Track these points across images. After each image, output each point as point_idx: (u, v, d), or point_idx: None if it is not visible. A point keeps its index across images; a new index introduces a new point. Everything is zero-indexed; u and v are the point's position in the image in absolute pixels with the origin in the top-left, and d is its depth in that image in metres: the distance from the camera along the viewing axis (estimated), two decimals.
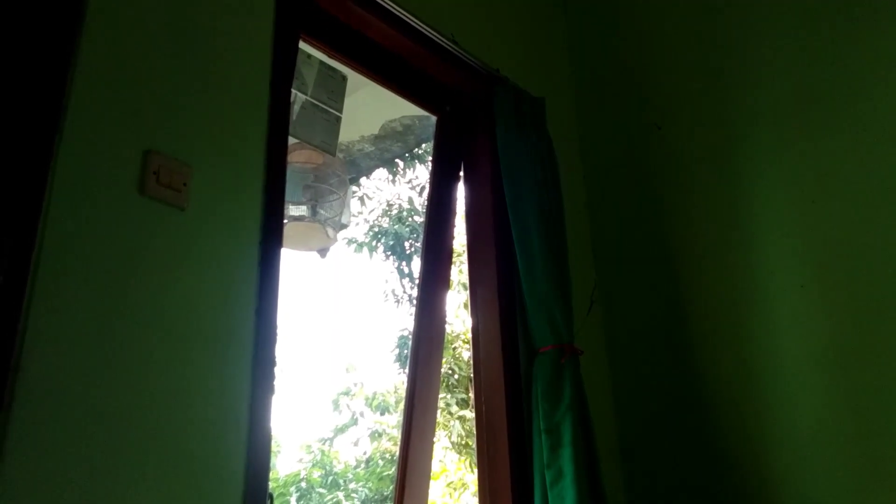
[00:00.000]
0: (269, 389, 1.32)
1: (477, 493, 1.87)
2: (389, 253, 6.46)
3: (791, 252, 1.94)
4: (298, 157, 2.32)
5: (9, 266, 1.03)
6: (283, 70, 1.54)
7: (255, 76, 1.48)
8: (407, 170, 6.42)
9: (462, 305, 5.65)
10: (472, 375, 2.02)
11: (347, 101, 2.14)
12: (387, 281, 6.61)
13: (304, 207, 2.44)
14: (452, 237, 2.16)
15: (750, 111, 2.11)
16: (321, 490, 5.83)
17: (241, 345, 1.29)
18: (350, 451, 6.36)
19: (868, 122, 1.89)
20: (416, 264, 6.43)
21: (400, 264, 6.48)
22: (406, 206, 6.61)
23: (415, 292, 6.38)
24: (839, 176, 1.91)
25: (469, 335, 5.78)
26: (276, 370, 1.36)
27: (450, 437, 5.61)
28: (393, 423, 6.37)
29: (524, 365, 1.92)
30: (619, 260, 2.32)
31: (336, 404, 6.50)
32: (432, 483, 1.94)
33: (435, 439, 2.00)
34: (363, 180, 5.88)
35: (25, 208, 1.07)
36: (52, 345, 1.05)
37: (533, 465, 1.78)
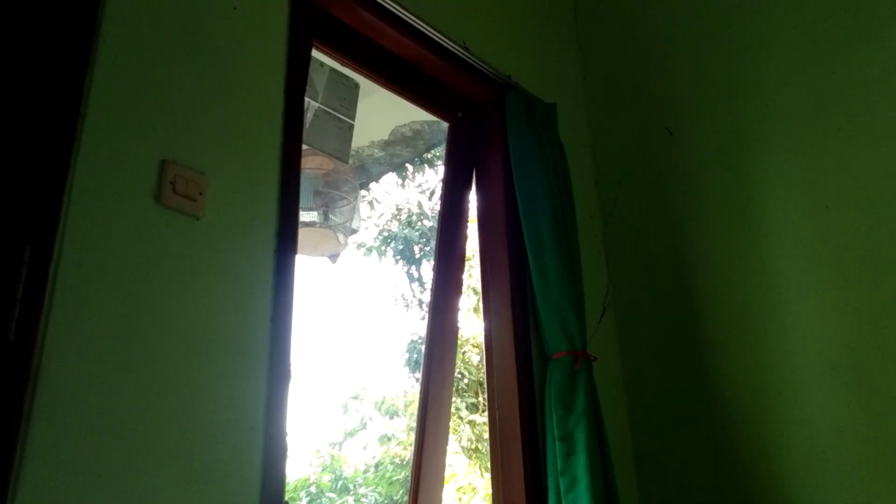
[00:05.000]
0: (285, 397, 1.32)
1: (486, 499, 1.87)
2: (399, 257, 6.46)
3: (805, 257, 1.94)
4: (310, 163, 2.33)
5: (28, 275, 1.03)
6: (297, 78, 1.54)
7: (270, 84, 1.48)
8: (416, 174, 6.42)
9: (471, 310, 5.64)
10: (481, 380, 2.03)
11: (358, 107, 2.15)
12: (396, 285, 6.61)
13: (314, 213, 2.45)
14: (465, 242, 2.16)
15: (762, 115, 2.11)
16: (331, 495, 5.83)
17: (257, 353, 1.29)
18: (359, 456, 6.35)
19: (882, 125, 1.88)
20: (426, 268, 6.43)
21: (409, 269, 6.48)
22: (415, 210, 6.61)
23: (424, 297, 6.38)
24: (853, 180, 1.90)
25: (479, 339, 5.79)
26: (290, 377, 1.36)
27: (459, 442, 5.60)
28: (402, 427, 6.36)
29: (537, 371, 1.92)
30: (631, 265, 2.32)
31: (345, 408, 6.50)
32: None
33: None
34: (373, 185, 5.89)
35: (44, 218, 1.08)
36: (71, 353, 1.06)
37: (547, 471, 1.77)
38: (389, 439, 6.34)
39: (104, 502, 1.04)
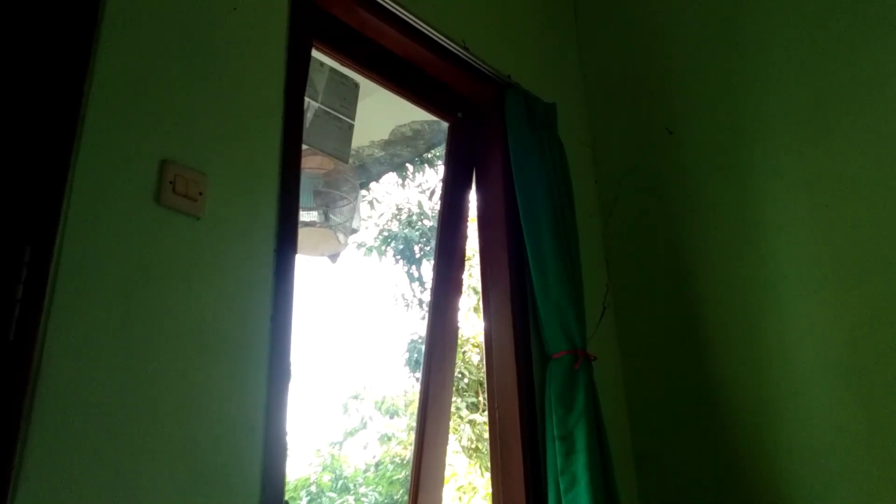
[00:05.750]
0: (285, 396, 1.32)
1: (486, 498, 1.87)
2: (399, 257, 6.46)
3: (805, 256, 1.94)
4: (310, 162, 2.33)
5: (28, 275, 1.03)
6: (297, 78, 1.55)
7: (270, 84, 1.48)
8: (416, 174, 6.42)
9: (471, 309, 5.64)
10: (482, 379, 2.03)
11: (358, 107, 2.15)
12: (396, 285, 6.60)
13: (314, 213, 2.45)
14: (465, 242, 2.16)
15: (762, 115, 2.11)
16: (331, 494, 5.83)
17: (257, 353, 1.29)
18: (360, 455, 6.35)
19: (880, 125, 1.88)
20: (426, 268, 6.42)
21: (409, 268, 6.48)
22: (415, 210, 6.61)
23: (424, 296, 6.37)
24: (852, 180, 1.90)
25: (479, 339, 5.78)
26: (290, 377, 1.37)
27: (459, 441, 5.60)
28: (402, 426, 6.36)
29: (537, 371, 1.92)
30: (631, 265, 2.32)
31: (345, 408, 6.50)
32: None
33: None
34: (373, 185, 5.89)
35: (44, 219, 1.08)
36: (71, 353, 1.06)
37: (547, 471, 1.77)
38: (390, 439, 6.33)
39: (104, 501, 1.04)
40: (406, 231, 6.44)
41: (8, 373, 0.98)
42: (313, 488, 5.89)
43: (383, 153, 3.54)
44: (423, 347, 2.02)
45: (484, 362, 2.05)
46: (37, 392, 1.01)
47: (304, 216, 2.42)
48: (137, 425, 1.11)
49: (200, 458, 1.16)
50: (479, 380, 5.61)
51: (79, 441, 1.04)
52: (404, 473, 5.76)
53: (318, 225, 2.45)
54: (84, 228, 1.12)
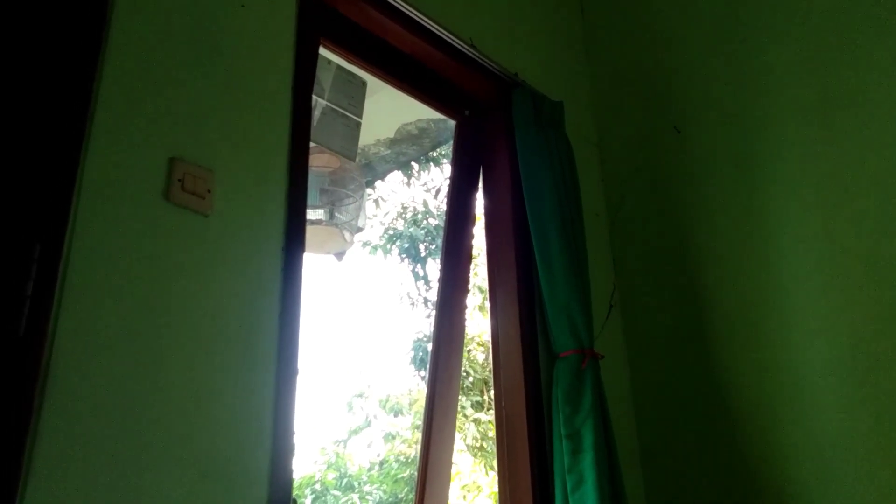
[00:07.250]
0: (293, 395, 1.32)
1: (491, 497, 1.87)
2: (404, 255, 6.46)
3: (812, 256, 1.93)
4: (316, 160, 2.33)
5: (38, 273, 1.04)
6: (305, 75, 1.55)
7: (278, 82, 1.48)
8: (422, 172, 6.42)
9: (476, 308, 5.64)
10: (486, 378, 2.03)
11: (364, 105, 2.15)
12: (401, 283, 6.60)
13: (320, 211, 2.45)
14: (471, 241, 2.16)
15: (770, 113, 2.10)
16: (336, 492, 5.83)
17: (265, 350, 1.30)
18: (364, 454, 6.36)
19: (889, 124, 1.87)
20: (431, 267, 6.42)
21: (414, 267, 6.47)
22: (421, 208, 6.61)
23: (429, 295, 6.38)
24: (860, 180, 1.89)
25: (483, 337, 5.77)
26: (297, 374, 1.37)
27: (464, 440, 5.60)
28: (406, 425, 6.36)
29: (544, 370, 1.92)
30: (637, 264, 2.31)
31: (350, 406, 6.50)
32: None
33: None
34: (378, 183, 5.88)
35: (53, 216, 1.08)
36: (80, 349, 1.06)
37: (554, 470, 1.77)
38: (394, 437, 6.34)
39: (112, 497, 1.04)
40: (411, 230, 6.44)
41: (18, 369, 0.98)
42: (318, 486, 5.89)
43: (389, 151, 3.54)
44: (430, 346, 2.02)
45: (491, 361, 2.05)
46: (46, 388, 1.01)
47: (310, 214, 2.42)
48: (146, 422, 1.11)
49: (208, 456, 1.17)
50: (483, 378, 5.62)
51: (87, 437, 1.04)
52: (409, 472, 5.77)
53: (324, 223, 2.45)
54: (93, 226, 1.12)
